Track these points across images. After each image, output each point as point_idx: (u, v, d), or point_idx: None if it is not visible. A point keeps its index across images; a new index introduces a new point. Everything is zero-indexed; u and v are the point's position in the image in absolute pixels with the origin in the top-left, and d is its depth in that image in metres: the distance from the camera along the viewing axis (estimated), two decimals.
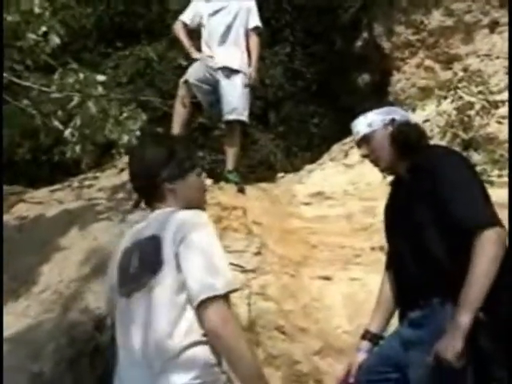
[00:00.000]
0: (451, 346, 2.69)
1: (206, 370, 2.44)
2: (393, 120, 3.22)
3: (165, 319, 2.47)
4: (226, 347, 2.43)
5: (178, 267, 2.47)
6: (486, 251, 2.75)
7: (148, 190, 2.74)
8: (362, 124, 3.25)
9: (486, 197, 2.95)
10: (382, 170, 3.33)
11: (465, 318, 2.71)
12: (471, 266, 2.75)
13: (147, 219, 2.75)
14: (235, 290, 2.53)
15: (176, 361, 2.43)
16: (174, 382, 2.42)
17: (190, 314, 2.47)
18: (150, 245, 2.57)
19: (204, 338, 2.46)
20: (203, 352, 2.46)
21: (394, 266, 3.24)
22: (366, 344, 3.26)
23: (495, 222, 2.82)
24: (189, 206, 2.67)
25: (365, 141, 3.27)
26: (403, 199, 3.15)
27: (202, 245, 2.49)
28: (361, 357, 3.22)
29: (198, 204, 2.76)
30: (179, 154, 2.74)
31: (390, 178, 3.42)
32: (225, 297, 2.45)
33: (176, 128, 6.56)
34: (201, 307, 2.43)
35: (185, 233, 2.50)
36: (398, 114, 3.29)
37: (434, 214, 2.92)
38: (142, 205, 2.85)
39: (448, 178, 2.92)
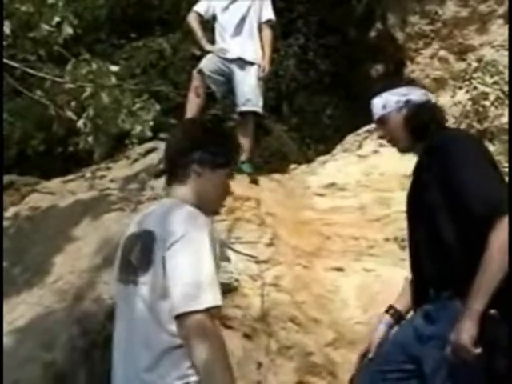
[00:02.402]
0: (465, 331, 2.66)
1: (189, 372, 2.36)
2: (407, 101, 3.16)
3: (152, 320, 2.41)
4: (199, 365, 2.33)
5: (164, 271, 2.38)
6: (502, 241, 2.69)
7: (175, 165, 2.64)
8: (378, 105, 3.21)
9: (502, 181, 2.90)
10: (401, 151, 3.29)
11: (477, 305, 2.67)
12: (486, 253, 2.70)
13: (154, 206, 2.69)
14: (217, 307, 2.39)
15: (162, 361, 2.38)
16: (157, 382, 2.37)
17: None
18: (147, 240, 2.49)
19: None
20: (187, 355, 2.37)
21: (411, 254, 3.20)
22: (387, 318, 3.22)
23: (506, 209, 2.74)
24: (203, 202, 2.58)
25: (381, 122, 3.23)
26: (420, 184, 3.11)
27: (190, 254, 2.38)
28: (381, 329, 3.19)
29: (213, 202, 2.67)
30: (220, 147, 2.66)
31: (406, 165, 3.38)
32: (207, 311, 2.33)
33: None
34: (179, 319, 2.34)
35: (176, 237, 2.39)
36: (415, 94, 3.20)
37: (446, 197, 2.87)
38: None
39: (460, 159, 2.87)
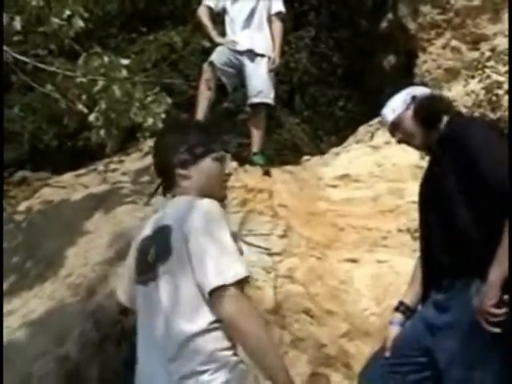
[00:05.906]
0: (487, 298, 2.68)
1: (213, 357, 2.40)
2: (414, 97, 3.27)
3: (174, 308, 2.45)
4: (244, 338, 2.40)
5: (188, 257, 2.43)
6: None
7: (164, 175, 2.71)
8: (388, 113, 3.32)
9: None
10: (419, 149, 3.38)
11: (499, 271, 2.69)
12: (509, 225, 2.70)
13: (165, 207, 2.71)
14: (246, 278, 2.44)
15: (185, 348, 2.40)
16: (181, 370, 2.40)
17: (198, 303, 2.43)
18: (163, 234, 2.54)
19: (212, 326, 2.42)
20: (211, 339, 2.42)
21: (423, 244, 3.19)
22: (398, 316, 3.22)
23: None
24: (204, 193, 2.61)
25: (395, 127, 3.31)
26: (434, 173, 3.12)
27: (211, 234, 2.43)
28: (394, 330, 3.19)
29: (214, 191, 2.68)
30: (191, 140, 2.68)
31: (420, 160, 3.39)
32: (238, 284, 2.39)
33: (200, 110, 6.55)
34: (213, 296, 2.38)
35: (194, 223, 2.45)
36: (418, 90, 3.35)
37: (465, 184, 2.88)
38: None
39: (477, 143, 2.89)
